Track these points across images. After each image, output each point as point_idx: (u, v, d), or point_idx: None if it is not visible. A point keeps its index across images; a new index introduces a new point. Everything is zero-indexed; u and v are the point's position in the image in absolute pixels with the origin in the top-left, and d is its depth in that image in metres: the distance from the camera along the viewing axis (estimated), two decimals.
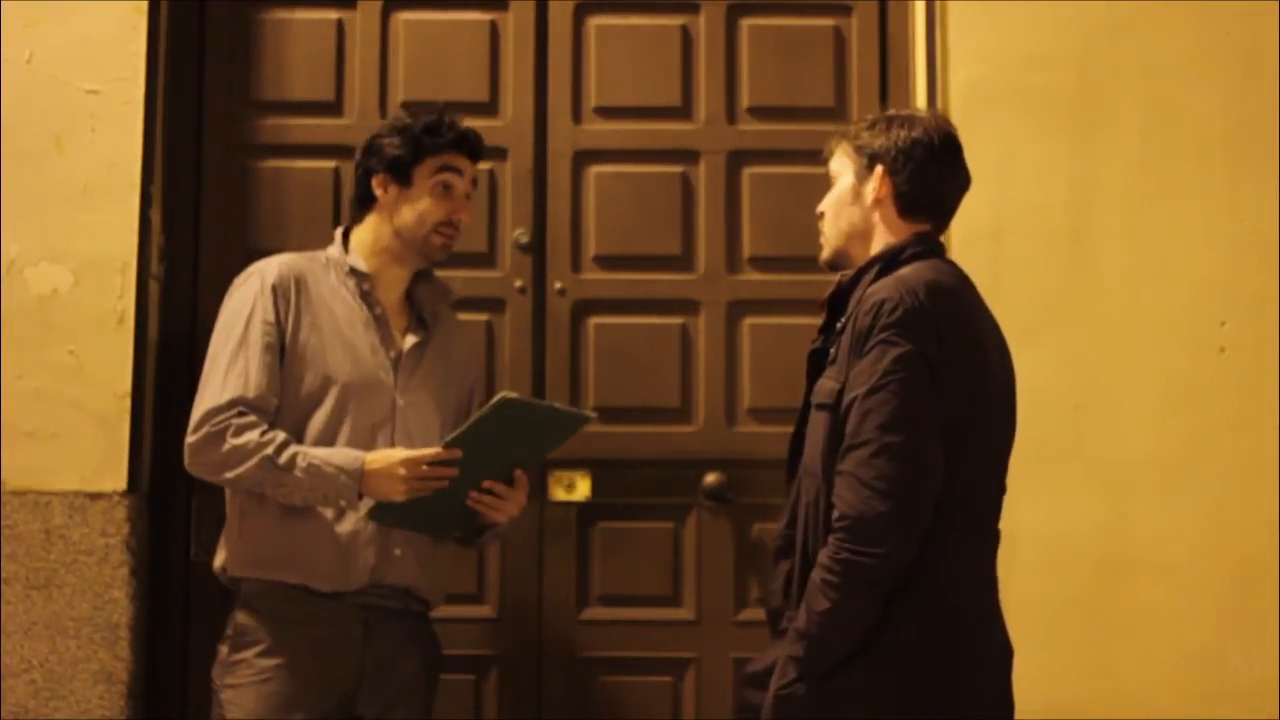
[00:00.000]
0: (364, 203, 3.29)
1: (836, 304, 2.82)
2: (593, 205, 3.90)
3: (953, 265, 2.81)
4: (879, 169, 2.80)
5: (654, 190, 3.91)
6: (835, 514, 2.61)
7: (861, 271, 2.79)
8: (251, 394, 3.09)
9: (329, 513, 3.10)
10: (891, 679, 2.61)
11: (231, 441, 3.05)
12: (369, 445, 3.13)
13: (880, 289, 2.67)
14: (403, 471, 3.03)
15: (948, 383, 2.62)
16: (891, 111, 2.87)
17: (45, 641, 3.54)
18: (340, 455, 3.07)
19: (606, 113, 3.93)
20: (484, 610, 3.80)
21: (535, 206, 3.89)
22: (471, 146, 3.31)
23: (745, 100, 3.94)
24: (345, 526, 3.11)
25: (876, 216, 2.82)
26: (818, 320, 2.87)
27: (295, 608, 3.09)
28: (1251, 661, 3.65)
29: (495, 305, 3.85)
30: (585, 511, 3.81)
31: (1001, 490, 2.80)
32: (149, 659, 3.65)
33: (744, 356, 3.86)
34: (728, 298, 3.88)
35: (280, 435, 3.06)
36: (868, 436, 2.59)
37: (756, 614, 3.78)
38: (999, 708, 2.73)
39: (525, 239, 3.86)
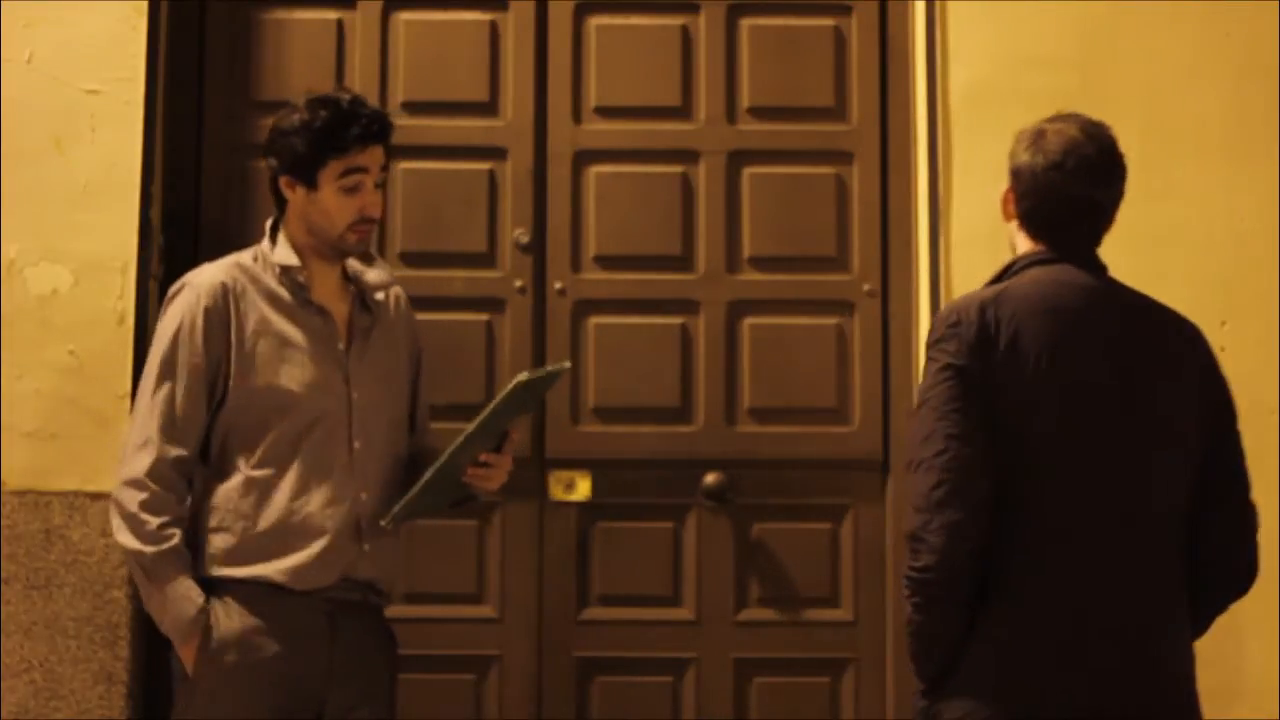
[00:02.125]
0: (278, 199, 3.17)
1: None
2: (593, 205, 3.90)
3: (1071, 273, 2.76)
4: (1007, 186, 2.82)
5: (654, 190, 3.91)
6: None
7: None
8: (177, 432, 3.01)
9: (305, 510, 3.04)
10: (988, 687, 2.61)
11: (139, 510, 2.97)
12: (329, 447, 3.06)
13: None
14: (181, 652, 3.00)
15: (1003, 391, 2.63)
16: (1044, 124, 2.80)
17: (45, 641, 3.54)
18: (181, 609, 2.98)
19: (606, 113, 3.93)
20: (484, 610, 3.80)
21: (535, 206, 3.89)
22: (376, 134, 3.10)
23: (745, 100, 3.94)
24: (319, 522, 3.04)
25: (1014, 226, 2.84)
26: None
27: (266, 605, 3.02)
28: (1251, 661, 3.65)
29: (495, 305, 3.85)
30: (585, 511, 3.81)
31: (1128, 492, 2.68)
32: (149, 659, 3.65)
33: (744, 356, 3.85)
34: (728, 298, 3.88)
35: (173, 539, 2.97)
36: (911, 455, 2.66)
37: (756, 614, 3.79)
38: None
39: (525, 239, 3.86)
